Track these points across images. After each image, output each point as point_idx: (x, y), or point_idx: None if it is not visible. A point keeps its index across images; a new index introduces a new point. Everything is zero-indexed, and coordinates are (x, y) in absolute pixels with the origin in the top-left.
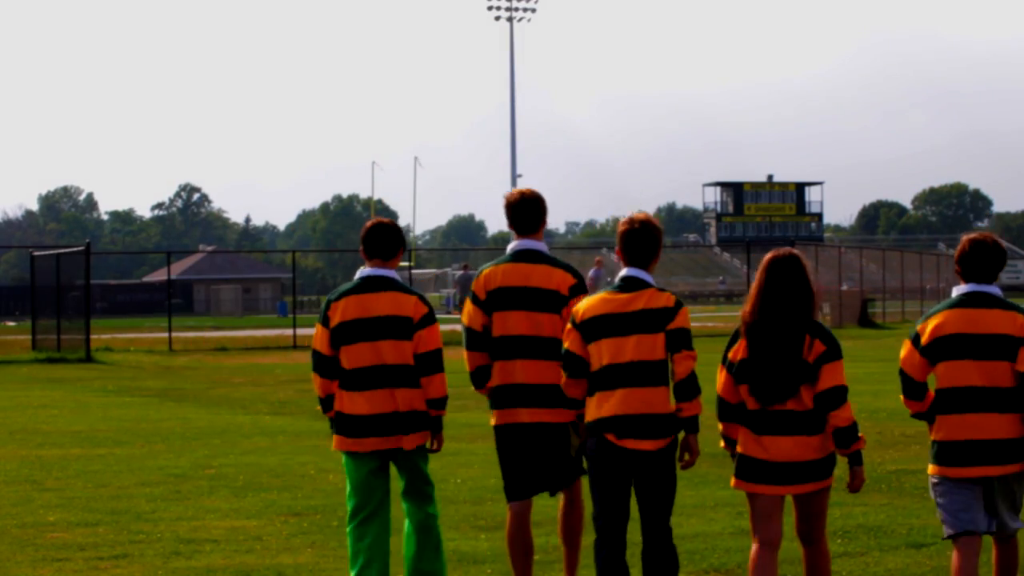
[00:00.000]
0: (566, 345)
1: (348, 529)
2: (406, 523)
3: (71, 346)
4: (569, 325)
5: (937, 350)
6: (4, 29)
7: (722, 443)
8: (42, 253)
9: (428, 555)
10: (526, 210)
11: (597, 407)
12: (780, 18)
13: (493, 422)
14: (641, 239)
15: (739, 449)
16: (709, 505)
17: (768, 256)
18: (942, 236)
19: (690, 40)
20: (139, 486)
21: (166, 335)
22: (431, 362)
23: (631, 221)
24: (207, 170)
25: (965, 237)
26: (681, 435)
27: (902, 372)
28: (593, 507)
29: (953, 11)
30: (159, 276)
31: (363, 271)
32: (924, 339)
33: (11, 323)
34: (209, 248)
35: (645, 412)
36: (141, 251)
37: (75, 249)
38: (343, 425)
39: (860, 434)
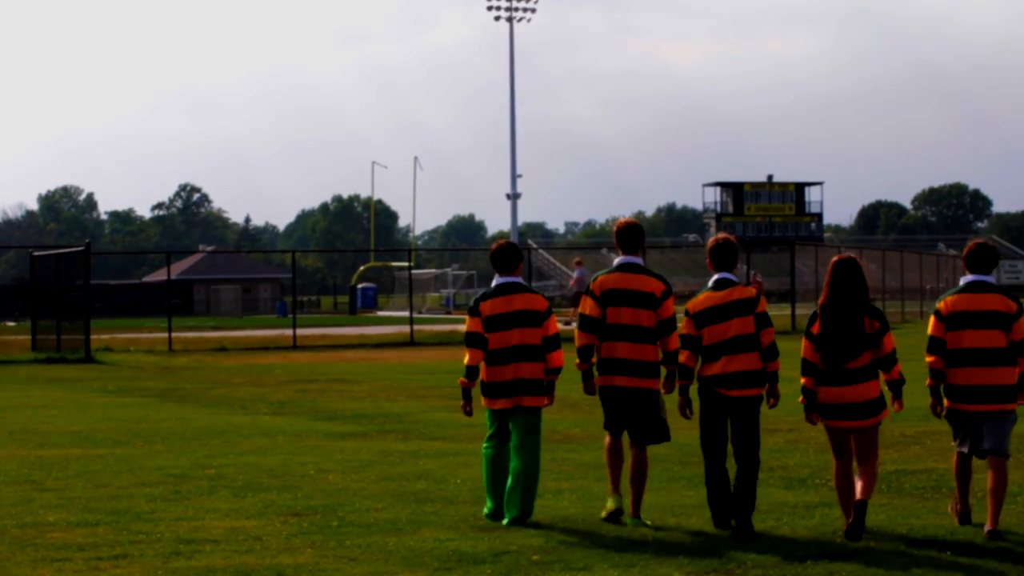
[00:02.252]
0: (684, 331)
1: (484, 457)
2: (512, 459)
3: (71, 346)
4: (685, 317)
5: (952, 321)
6: (4, 29)
7: (801, 398)
8: (42, 253)
9: (529, 473)
10: (630, 235)
11: (709, 369)
12: (780, 18)
13: (599, 384)
14: (726, 251)
15: (820, 398)
16: None
17: (833, 259)
18: (942, 236)
19: (690, 40)
20: (139, 486)
21: (166, 335)
22: (555, 341)
23: (717, 240)
24: (207, 170)
25: (971, 241)
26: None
27: (931, 337)
28: (701, 439)
29: (954, 12)
30: (159, 276)
31: (498, 279)
32: (944, 312)
33: (11, 323)
34: (209, 248)
35: (746, 370)
36: (141, 251)
37: (75, 249)
38: (488, 389)
39: (903, 379)
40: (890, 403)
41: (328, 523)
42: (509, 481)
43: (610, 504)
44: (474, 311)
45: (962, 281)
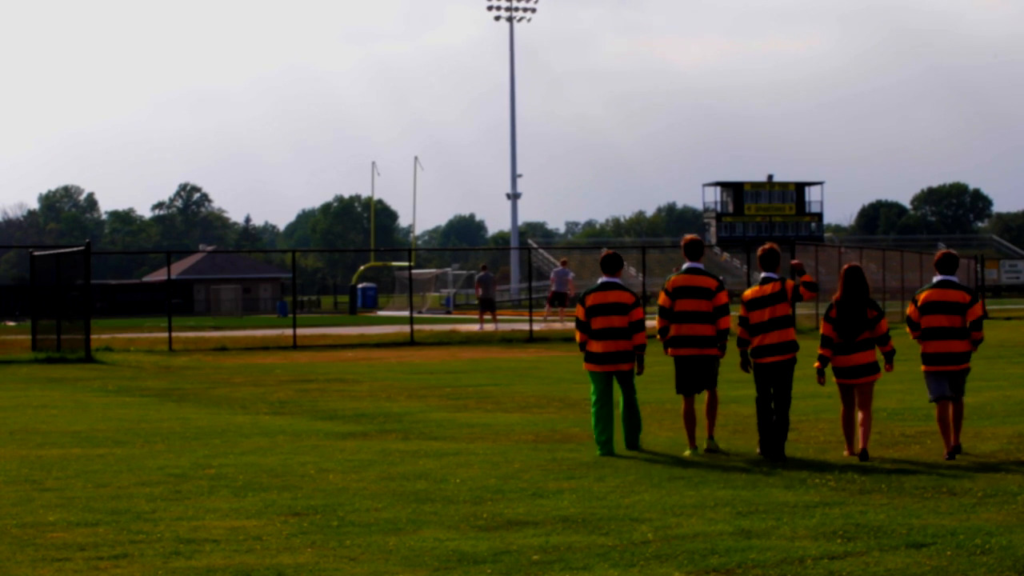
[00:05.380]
0: (741, 313)
1: (592, 411)
2: (621, 404)
3: (71, 346)
4: (741, 304)
5: (926, 308)
6: (5, 29)
7: (816, 363)
8: (42, 253)
9: (634, 420)
10: (694, 247)
11: (758, 342)
12: (781, 18)
13: (671, 353)
14: (771, 256)
15: (835, 363)
16: (709, 505)
17: (845, 267)
18: (942, 236)
19: (691, 39)
20: (139, 486)
21: (166, 335)
22: (639, 325)
23: (764, 248)
24: (208, 169)
25: (938, 252)
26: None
27: (909, 319)
28: (757, 392)
29: (955, 12)
30: (159, 276)
31: (602, 279)
32: (920, 302)
33: (11, 323)
34: (209, 248)
35: (782, 341)
36: (141, 251)
37: (75, 249)
38: (592, 358)
39: (894, 349)
40: (883, 367)
41: (328, 523)
42: (623, 424)
43: (687, 454)
44: (581, 301)
45: (934, 280)
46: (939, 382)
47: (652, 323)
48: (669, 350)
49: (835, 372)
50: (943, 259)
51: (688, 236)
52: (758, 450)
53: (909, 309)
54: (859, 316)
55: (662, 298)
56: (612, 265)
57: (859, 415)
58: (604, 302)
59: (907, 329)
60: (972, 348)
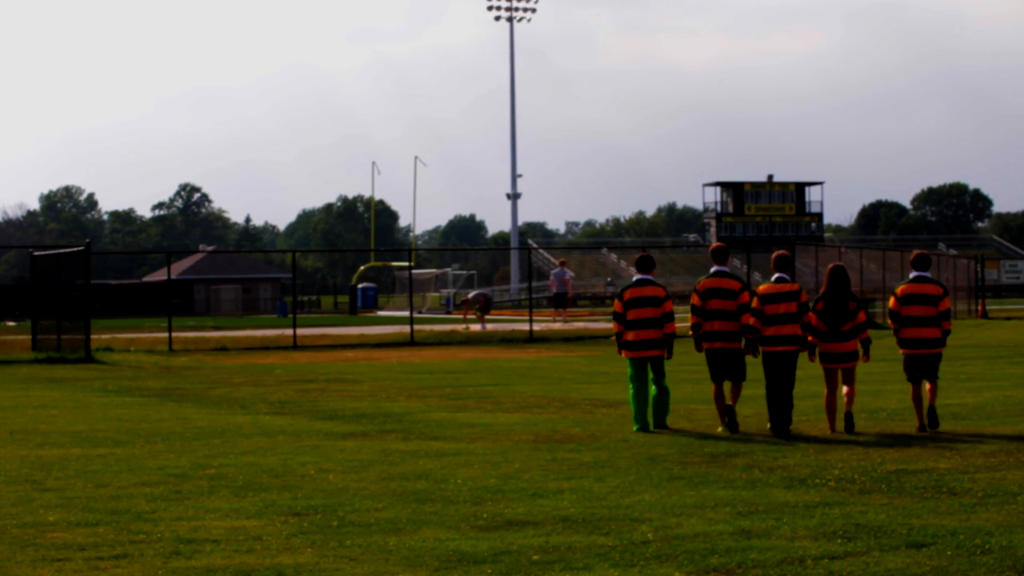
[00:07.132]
0: (754, 306)
1: (629, 393)
2: (651, 389)
3: (71, 346)
4: (755, 297)
5: (904, 300)
6: (5, 29)
7: (809, 338)
8: (42, 253)
9: (663, 401)
10: (721, 253)
11: (765, 332)
12: (781, 18)
13: (704, 347)
14: (784, 260)
15: (822, 350)
16: (709, 505)
17: (830, 265)
18: (942, 236)
19: (690, 40)
20: (139, 486)
21: (166, 335)
22: (670, 316)
23: (778, 253)
24: (209, 169)
25: (914, 252)
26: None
27: (891, 310)
28: (766, 379)
29: (957, 13)
30: (159, 276)
31: (637, 276)
32: (899, 294)
33: (11, 323)
34: (209, 248)
35: (790, 334)
36: (141, 251)
37: (75, 249)
38: (628, 346)
39: (870, 339)
40: (862, 355)
41: (328, 523)
42: (650, 405)
43: (720, 430)
44: (619, 295)
45: (911, 275)
46: (914, 364)
47: (684, 325)
48: (703, 344)
49: (822, 357)
50: (918, 258)
51: (715, 243)
52: (768, 426)
53: (891, 303)
54: (842, 308)
55: (694, 298)
56: (646, 265)
57: (844, 388)
58: (640, 296)
59: (889, 322)
60: (942, 337)
